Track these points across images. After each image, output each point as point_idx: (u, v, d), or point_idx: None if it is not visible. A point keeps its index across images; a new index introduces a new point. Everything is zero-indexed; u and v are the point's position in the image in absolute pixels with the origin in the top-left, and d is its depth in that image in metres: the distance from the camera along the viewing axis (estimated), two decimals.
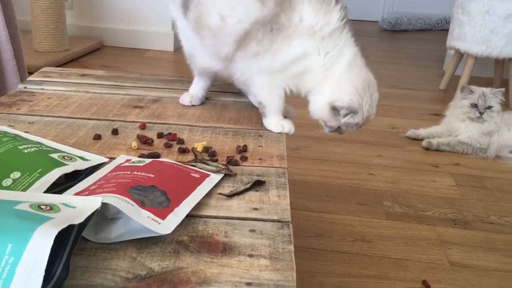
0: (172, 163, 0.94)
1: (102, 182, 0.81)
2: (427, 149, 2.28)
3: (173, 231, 0.76)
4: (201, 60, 1.25)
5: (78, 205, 0.69)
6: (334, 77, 1.13)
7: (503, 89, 2.29)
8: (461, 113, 2.28)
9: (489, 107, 2.23)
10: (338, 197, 1.80)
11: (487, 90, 2.27)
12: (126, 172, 0.85)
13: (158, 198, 0.79)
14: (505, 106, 2.48)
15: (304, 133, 2.49)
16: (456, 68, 3.18)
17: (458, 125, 2.29)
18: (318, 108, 1.16)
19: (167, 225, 0.74)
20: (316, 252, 1.48)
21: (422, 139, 2.34)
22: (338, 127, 1.16)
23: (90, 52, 3.53)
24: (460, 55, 3.09)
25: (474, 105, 2.25)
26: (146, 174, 0.84)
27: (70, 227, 0.64)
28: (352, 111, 1.11)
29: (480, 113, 2.22)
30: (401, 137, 2.40)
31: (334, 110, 1.13)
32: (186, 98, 1.32)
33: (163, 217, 0.75)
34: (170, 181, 0.85)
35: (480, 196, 1.87)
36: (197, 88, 1.32)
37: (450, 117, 2.35)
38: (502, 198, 1.87)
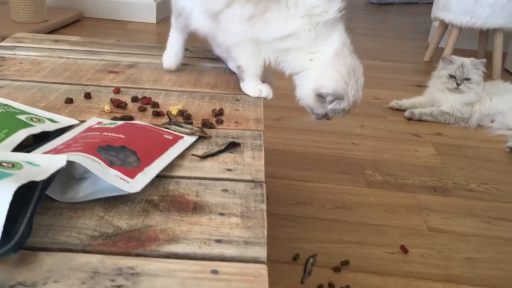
0: (144, 125, 0.92)
1: (70, 142, 0.79)
2: (409, 119, 2.28)
3: (143, 191, 0.74)
4: (193, 19, 1.20)
5: (42, 164, 0.67)
6: (319, 64, 1.11)
7: (484, 60, 2.28)
8: (440, 84, 2.28)
9: (467, 79, 2.23)
10: (320, 166, 1.80)
11: (467, 61, 2.26)
12: (96, 133, 0.83)
13: (128, 158, 0.77)
14: (489, 77, 2.48)
15: (286, 103, 2.49)
16: (440, 39, 3.17)
17: (440, 96, 2.29)
18: (305, 94, 1.15)
19: (135, 184, 0.72)
20: (296, 219, 1.48)
21: (405, 110, 2.34)
22: (325, 114, 1.14)
23: (70, 24, 3.45)
24: (445, 27, 3.07)
25: (452, 76, 2.24)
26: (117, 135, 0.82)
27: (34, 185, 0.62)
28: (337, 97, 1.09)
29: (457, 84, 2.22)
30: (384, 108, 2.40)
31: (320, 97, 1.11)
32: (170, 58, 1.27)
33: (132, 176, 0.73)
34: (141, 142, 0.83)
35: (460, 165, 1.88)
36: (178, 45, 1.28)
37: (432, 87, 2.35)
38: (482, 166, 1.88)
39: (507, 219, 1.54)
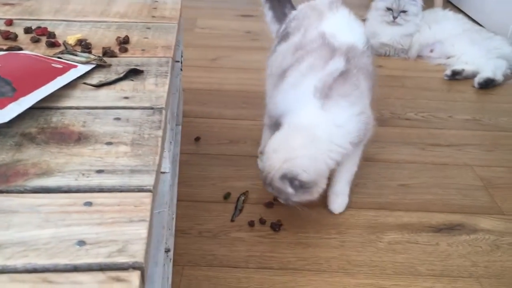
0: (29, 54, 0.81)
1: None
2: None
3: (19, 124, 0.65)
4: None
5: None
6: None
7: None
8: (378, 16, 2.22)
9: (404, 11, 2.17)
10: (256, 104, 1.72)
11: None
12: None
13: (1, 88, 0.67)
14: (430, 7, 2.43)
15: (223, 43, 2.38)
16: None
17: (379, 28, 2.22)
18: None
19: (4, 114, 0.63)
20: (229, 158, 1.41)
21: None
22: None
23: None
24: None
25: (389, 9, 2.18)
26: None
27: None
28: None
29: (394, 17, 2.16)
30: None
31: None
32: None
33: (1, 106, 0.63)
34: (19, 71, 0.72)
35: (398, 95, 1.85)
36: None
37: (371, 20, 2.28)
38: (420, 95, 1.86)
39: (442, 144, 1.53)
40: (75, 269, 0.44)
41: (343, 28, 1.17)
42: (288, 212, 1.20)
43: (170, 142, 1.05)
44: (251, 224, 1.16)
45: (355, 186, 1.29)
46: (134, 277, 0.43)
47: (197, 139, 1.49)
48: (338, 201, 1.22)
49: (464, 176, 1.39)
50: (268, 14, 1.46)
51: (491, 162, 1.46)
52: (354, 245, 1.13)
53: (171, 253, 1.03)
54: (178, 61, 1.44)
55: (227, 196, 1.25)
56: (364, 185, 1.32)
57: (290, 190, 1.04)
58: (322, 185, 1.07)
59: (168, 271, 0.97)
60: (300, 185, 1.03)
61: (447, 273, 1.06)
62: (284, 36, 1.27)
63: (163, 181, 0.91)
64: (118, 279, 0.43)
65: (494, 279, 1.05)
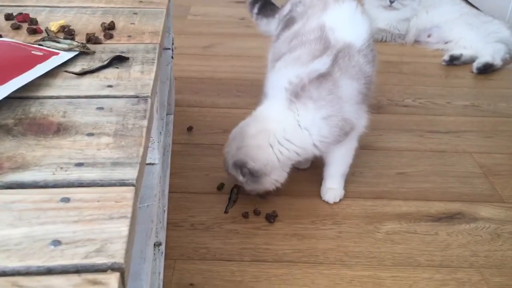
0: (8, 41, 0.77)
1: None
2: None
3: None
4: None
5: None
6: None
7: None
8: (375, 1, 2.17)
9: None
10: (250, 92, 1.69)
11: None
12: None
13: None
14: None
15: (216, 30, 2.33)
16: None
17: (376, 13, 2.18)
18: None
19: None
20: (222, 148, 1.37)
21: None
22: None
23: None
24: None
25: None
26: None
27: None
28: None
29: (390, 1, 2.12)
30: None
31: None
32: None
33: None
34: None
35: (395, 81, 1.81)
36: None
37: (368, 4, 2.23)
38: (418, 81, 1.82)
39: (441, 131, 1.50)
40: (49, 271, 0.41)
41: (345, 23, 1.13)
42: (283, 203, 1.17)
43: (160, 133, 1.01)
44: (245, 215, 1.13)
45: (352, 175, 1.26)
46: (112, 279, 0.40)
47: (190, 128, 1.45)
48: (331, 192, 1.19)
49: (463, 163, 1.36)
50: (262, 23, 1.47)
51: (491, 148, 1.43)
52: (351, 235, 1.10)
53: (162, 247, 1.00)
54: (169, 49, 1.40)
55: (220, 187, 1.22)
56: (361, 174, 1.29)
57: (240, 177, 1.09)
58: (276, 177, 1.10)
59: (160, 266, 0.94)
60: (250, 173, 1.07)
61: (447, 263, 1.03)
62: (288, 22, 1.24)
63: (152, 173, 0.87)
64: (95, 282, 0.39)
65: (495, 269, 1.02)
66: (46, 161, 0.54)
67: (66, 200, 0.48)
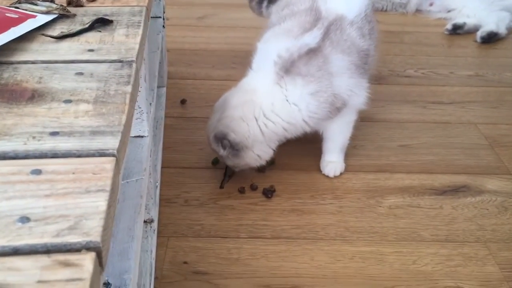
0: None
1: None
2: None
3: None
4: None
5: None
6: None
7: None
8: None
9: None
10: (245, 63, 1.60)
11: None
12: None
13: None
14: None
15: (211, 0, 2.25)
16: None
17: None
18: None
19: None
20: None
21: None
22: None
23: None
24: None
25: None
26: None
27: None
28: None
29: None
30: None
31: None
32: None
33: None
34: None
35: (397, 51, 1.74)
36: None
37: None
38: (420, 51, 1.76)
39: (444, 102, 1.45)
40: (15, 252, 0.35)
41: None
42: (282, 177, 1.13)
43: (150, 104, 0.95)
44: (241, 190, 1.08)
45: (353, 147, 1.21)
46: (87, 260, 0.35)
47: (183, 101, 1.39)
48: (331, 165, 1.15)
49: (468, 134, 1.31)
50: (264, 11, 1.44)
51: (496, 119, 1.38)
52: (352, 210, 1.05)
53: (154, 224, 0.95)
54: (160, 17, 1.33)
55: (215, 162, 1.17)
56: (362, 147, 1.24)
57: (221, 151, 1.04)
58: (260, 152, 1.04)
59: (152, 244, 0.90)
60: (231, 146, 1.02)
61: (452, 238, 0.99)
62: None
63: (141, 146, 0.82)
64: (67, 264, 0.34)
65: (502, 243, 0.98)
66: (17, 130, 0.48)
67: (37, 172, 0.43)
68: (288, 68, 1.00)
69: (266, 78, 1.02)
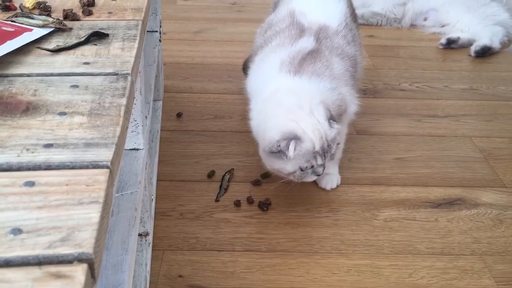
0: None
1: None
2: None
3: None
4: None
5: None
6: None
7: None
8: None
9: None
10: (241, 77, 1.63)
11: None
12: None
13: None
14: None
15: (207, 15, 2.26)
16: None
17: None
18: (263, 158, 1.00)
19: None
20: (213, 134, 1.32)
21: None
22: (301, 168, 0.93)
23: None
24: None
25: None
26: None
27: None
28: (288, 138, 0.90)
29: None
30: None
31: (272, 152, 0.93)
32: None
33: None
34: None
35: (392, 65, 1.76)
36: None
37: None
38: (414, 65, 1.77)
39: (439, 115, 1.45)
40: (7, 263, 0.35)
41: (315, 6, 1.10)
42: (277, 190, 1.12)
43: (146, 117, 0.96)
44: (237, 203, 1.08)
45: (348, 160, 1.21)
46: (79, 271, 0.35)
47: (179, 114, 1.40)
48: (327, 178, 1.14)
49: (463, 147, 1.31)
50: None
51: (491, 132, 1.39)
52: (348, 223, 1.05)
53: (149, 237, 0.95)
54: (156, 31, 1.34)
55: (211, 175, 1.17)
56: (357, 160, 1.24)
57: (292, 151, 0.94)
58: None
59: (146, 257, 0.89)
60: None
61: (448, 250, 0.99)
62: (275, 4, 1.20)
63: (136, 159, 0.82)
64: (58, 275, 0.34)
65: (498, 256, 0.98)
66: (11, 142, 0.49)
67: (30, 184, 0.43)
68: (297, 68, 0.98)
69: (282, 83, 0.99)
